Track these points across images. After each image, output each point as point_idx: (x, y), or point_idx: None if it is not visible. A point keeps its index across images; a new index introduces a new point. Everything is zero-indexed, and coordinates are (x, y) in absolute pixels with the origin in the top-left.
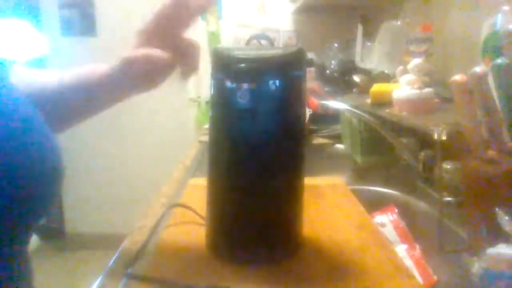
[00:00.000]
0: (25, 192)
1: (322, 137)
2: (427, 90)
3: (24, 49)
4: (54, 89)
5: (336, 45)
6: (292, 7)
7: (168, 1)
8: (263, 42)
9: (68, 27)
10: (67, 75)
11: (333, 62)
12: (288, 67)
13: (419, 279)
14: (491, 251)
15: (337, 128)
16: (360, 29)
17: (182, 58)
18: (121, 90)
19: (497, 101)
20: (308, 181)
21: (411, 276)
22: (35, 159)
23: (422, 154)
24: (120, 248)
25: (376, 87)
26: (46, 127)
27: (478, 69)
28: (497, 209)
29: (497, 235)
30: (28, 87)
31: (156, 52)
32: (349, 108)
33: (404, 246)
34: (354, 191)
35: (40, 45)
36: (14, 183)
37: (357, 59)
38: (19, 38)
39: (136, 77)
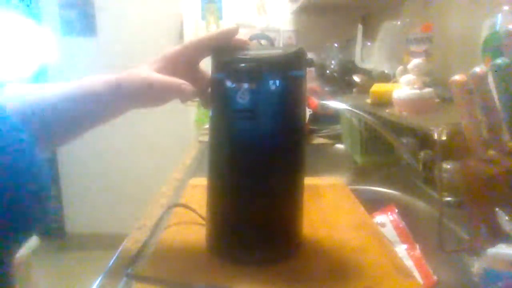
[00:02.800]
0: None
1: (322, 137)
2: (427, 90)
3: (31, 57)
4: (53, 103)
5: (336, 45)
6: (292, 7)
7: (218, 33)
8: (263, 42)
9: (68, 27)
10: (65, 88)
11: (333, 62)
12: (288, 67)
13: (419, 279)
14: (491, 251)
15: (337, 128)
16: (360, 29)
17: (198, 89)
18: (122, 106)
19: (497, 101)
20: (308, 181)
21: (411, 276)
22: (20, 179)
23: (422, 154)
24: (120, 248)
25: (376, 87)
26: (32, 147)
27: (478, 69)
28: (497, 209)
29: (497, 235)
30: (25, 102)
31: (185, 85)
32: (349, 108)
33: (404, 246)
34: (354, 191)
35: (48, 51)
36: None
37: (357, 59)
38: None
39: (152, 99)
